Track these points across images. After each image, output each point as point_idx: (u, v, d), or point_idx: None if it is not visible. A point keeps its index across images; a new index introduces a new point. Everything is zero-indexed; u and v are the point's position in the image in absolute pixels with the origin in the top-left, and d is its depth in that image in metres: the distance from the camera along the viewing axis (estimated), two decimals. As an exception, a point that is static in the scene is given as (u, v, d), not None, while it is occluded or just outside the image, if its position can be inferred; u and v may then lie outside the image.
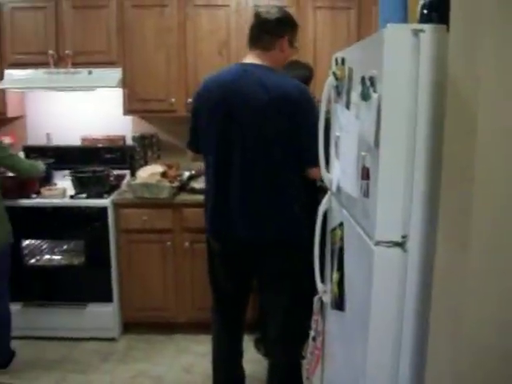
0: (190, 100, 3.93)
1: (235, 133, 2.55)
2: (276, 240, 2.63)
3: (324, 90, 2.33)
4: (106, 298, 3.93)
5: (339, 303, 2.16)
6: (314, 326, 2.66)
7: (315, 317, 2.64)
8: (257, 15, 2.65)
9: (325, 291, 2.49)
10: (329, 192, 2.46)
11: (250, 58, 2.65)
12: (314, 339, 2.69)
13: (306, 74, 3.46)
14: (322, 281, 2.51)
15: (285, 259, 2.66)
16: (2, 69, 4.13)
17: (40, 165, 3.80)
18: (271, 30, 2.61)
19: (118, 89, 4.09)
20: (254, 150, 2.55)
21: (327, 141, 2.40)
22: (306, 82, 3.13)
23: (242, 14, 3.98)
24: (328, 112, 2.38)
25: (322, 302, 2.57)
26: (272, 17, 2.61)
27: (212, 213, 2.71)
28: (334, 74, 2.28)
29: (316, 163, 2.39)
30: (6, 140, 4.23)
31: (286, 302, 2.74)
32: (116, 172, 4.22)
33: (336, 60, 2.27)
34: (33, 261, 4.03)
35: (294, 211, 2.63)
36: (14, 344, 3.71)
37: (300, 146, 2.56)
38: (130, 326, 4.10)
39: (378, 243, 1.63)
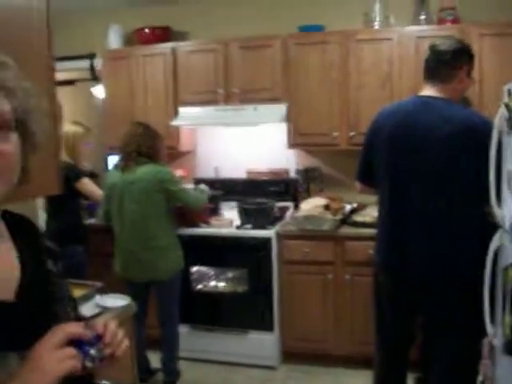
0: (352, 134, 4.00)
1: (414, 166, 2.54)
2: (452, 280, 2.55)
3: (495, 121, 2.25)
4: (268, 326, 4.03)
5: (512, 348, 2.04)
6: (482, 370, 2.52)
7: (484, 360, 2.50)
8: (433, 47, 2.65)
9: (495, 334, 2.36)
10: (500, 229, 2.34)
11: (428, 91, 2.63)
12: (482, 384, 2.55)
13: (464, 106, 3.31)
14: (493, 322, 2.38)
15: (458, 301, 2.55)
16: (177, 107, 4.47)
17: (204, 194, 3.97)
18: (449, 62, 2.59)
19: (281, 123, 4.23)
20: (434, 184, 2.51)
21: (498, 175, 2.30)
22: None
23: (405, 46, 3.95)
24: (499, 144, 2.28)
25: (491, 346, 2.44)
26: (449, 48, 2.60)
27: (387, 246, 2.69)
28: (507, 105, 2.19)
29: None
30: (178, 173, 4.54)
31: (454, 346, 2.61)
32: (280, 204, 4.34)
33: (509, 91, 2.19)
34: (200, 286, 4.25)
35: (472, 251, 2.52)
36: (181, 364, 3.92)
37: (482, 182, 2.43)
38: (289, 356, 4.15)
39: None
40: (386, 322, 2.81)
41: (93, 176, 4.41)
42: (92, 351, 0.98)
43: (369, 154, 2.76)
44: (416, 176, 2.53)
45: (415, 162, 2.53)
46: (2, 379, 0.89)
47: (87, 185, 3.91)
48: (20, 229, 1.10)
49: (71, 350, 0.92)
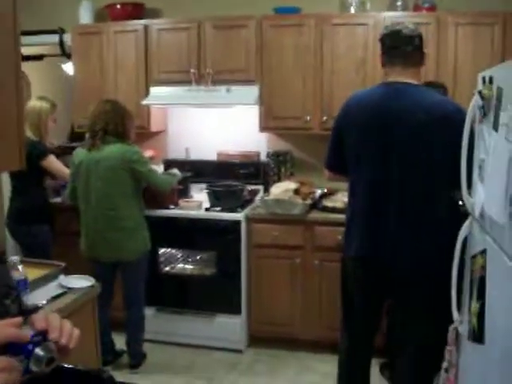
0: (325, 118, 3.98)
1: (389, 153, 2.51)
2: (430, 269, 2.55)
3: (468, 109, 2.24)
4: (235, 309, 4.02)
5: (478, 335, 2.05)
6: (447, 356, 2.54)
7: (449, 347, 2.52)
8: (398, 32, 2.61)
9: (461, 321, 2.37)
10: (469, 217, 2.35)
11: (398, 77, 2.60)
12: (446, 370, 2.56)
13: (442, 94, 3.33)
14: (459, 310, 2.39)
15: (434, 290, 2.56)
16: (148, 86, 4.39)
17: (174, 177, 3.92)
18: (419, 46, 2.61)
19: (254, 106, 4.18)
20: (409, 172, 2.50)
21: (470, 163, 2.30)
22: None
23: (380, 32, 3.91)
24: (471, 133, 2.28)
25: (457, 332, 2.45)
26: (415, 32, 2.61)
27: (361, 235, 2.64)
28: (481, 93, 2.18)
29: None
30: (148, 153, 4.47)
31: (425, 331, 2.63)
32: (250, 187, 4.31)
33: (483, 79, 2.17)
34: (168, 268, 4.21)
35: (445, 239, 2.52)
36: (146, 347, 3.89)
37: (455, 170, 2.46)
38: (255, 339, 4.15)
39: (528, 274, 1.52)
40: (355, 309, 2.81)
41: (59, 153, 4.32)
42: (38, 351, 0.89)
43: (339, 140, 2.70)
44: (391, 163, 2.51)
45: (390, 150, 2.50)
46: None
47: (53, 163, 3.82)
48: None
49: (5, 361, 0.80)
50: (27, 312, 1.02)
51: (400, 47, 2.60)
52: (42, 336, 0.90)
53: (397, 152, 2.50)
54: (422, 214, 2.53)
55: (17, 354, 0.86)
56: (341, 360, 2.94)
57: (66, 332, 0.93)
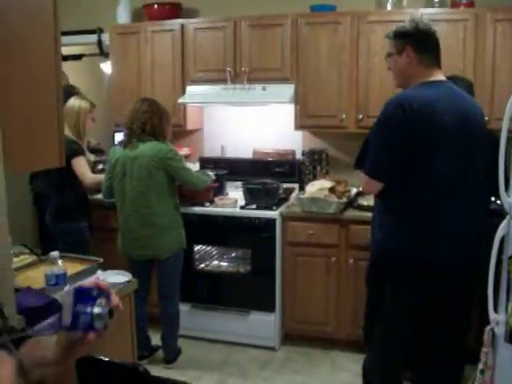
0: (360, 116, 3.97)
1: (448, 154, 2.41)
2: (477, 266, 2.52)
3: (507, 107, 2.21)
4: (269, 307, 4.03)
5: (515, 336, 2.02)
6: (483, 358, 2.50)
7: (485, 349, 2.49)
8: (434, 32, 2.57)
9: (498, 322, 2.34)
10: (507, 216, 2.31)
11: (440, 76, 2.56)
12: (481, 372, 2.54)
13: (471, 91, 3.24)
14: (496, 310, 2.36)
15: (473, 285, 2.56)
16: (185, 85, 4.43)
17: (208, 177, 3.95)
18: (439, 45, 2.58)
19: (290, 104, 4.19)
20: (478, 172, 2.47)
21: (508, 161, 2.27)
22: None
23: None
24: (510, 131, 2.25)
25: (493, 334, 2.42)
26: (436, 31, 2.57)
27: (440, 242, 2.47)
28: (520, 91, 2.15)
29: None
30: (184, 151, 4.52)
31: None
32: (285, 185, 4.32)
33: (522, 77, 2.14)
34: (202, 265, 4.25)
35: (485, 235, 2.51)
36: (181, 342, 3.94)
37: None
38: (289, 337, 4.16)
39: None
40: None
41: (97, 151, 4.39)
42: (100, 300, 1.02)
43: (401, 151, 2.43)
44: (464, 163, 2.44)
45: (463, 150, 2.44)
46: None
47: (78, 165, 3.80)
48: None
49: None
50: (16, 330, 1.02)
51: (436, 48, 2.56)
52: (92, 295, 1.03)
53: (467, 153, 2.45)
54: (479, 212, 2.54)
55: (85, 302, 1.00)
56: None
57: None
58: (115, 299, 1.06)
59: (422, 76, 2.54)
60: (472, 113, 2.47)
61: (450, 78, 2.70)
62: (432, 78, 2.53)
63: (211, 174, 4.06)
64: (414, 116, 2.37)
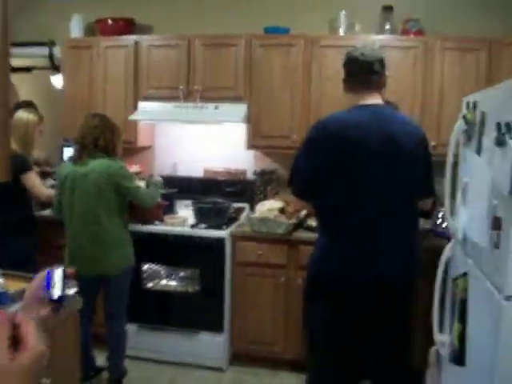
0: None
1: (374, 175, 2.46)
2: (410, 279, 2.57)
3: (453, 133, 2.27)
4: (218, 327, 4.00)
5: (459, 357, 2.06)
6: (429, 379, 2.54)
7: (430, 370, 2.53)
8: (357, 58, 2.61)
9: (443, 343, 2.38)
10: (453, 240, 2.37)
11: (368, 99, 2.59)
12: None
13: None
14: (440, 331, 2.41)
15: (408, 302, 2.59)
16: (137, 101, 4.40)
17: (157, 191, 3.82)
18: (379, 71, 2.60)
19: (242, 124, 4.20)
20: (395, 191, 2.49)
21: (453, 186, 2.33)
22: None
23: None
24: (456, 157, 2.31)
25: (438, 355, 2.46)
26: (377, 57, 2.60)
27: (352, 255, 2.52)
28: (465, 117, 2.22)
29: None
30: (135, 168, 4.46)
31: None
32: (236, 205, 4.31)
33: (468, 104, 2.21)
34: (150, 284, 4.18)
35: (417, 250, 2.59)
36: (127, 363, 3.85)
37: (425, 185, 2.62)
38: (237, 358, 4.13)
39: (508, 298, 1.54)
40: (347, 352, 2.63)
41: (44, 164, 4.29)
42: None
43: (317, 165, 2.54)
44: (377, 184, 2.47)
45: (377, 171, 2.47)
46: None
47: (30, 180, 3.70)
48: None
49: None
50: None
51: (358, 75, 2.60)
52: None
53: (382, 174, 2.47)
54: (405, 230, 2.57)
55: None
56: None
57: None
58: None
59: (353, 100, 2.63)
60: (400, 134, 2.49)
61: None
62: (361, 102, 2.59)
63: (159, 179, 3.94)
64: (328, 138, 2.49)
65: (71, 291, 1.27)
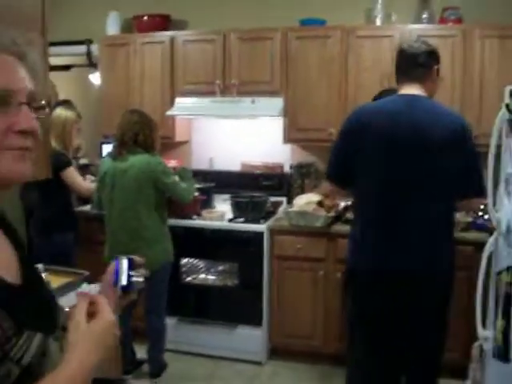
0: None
1: (406, 165, 2.50)
2: (439, 272, 2.54)
3: (496, 123, 2.22)
4: (256, 321, 4.00)
5: (503, 353, 2.01)
6: (471, 374, 2.50)
7: (473, 364, 2.48)
8: (404, 50, 2.67)
9: (486, 338, 2.33)
10: (495, 232, 2.32)
11: (408, 90, 2.62)
12: (470, 388, 2.53)
13: None
14: (484, 326, 2.36)
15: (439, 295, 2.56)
16: (173, 97, 4.42)
17: (192, 184, 3.79)
18: (424, 63, 2.61)
19: (279, 118, 4.19)
20: (426, 181, 2.50)
21: (496, 177, 2.27)
22: None
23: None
24: (498, 147, 2.26)
25: (482, 350, 2.41)
26: (422, 50, 2.63)
27: (380, 245, 2.57)
28: (508, 106, 2.16)
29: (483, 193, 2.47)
30: (172, 163, 4.49)
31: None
32: (273, 199, 4.30)
33: (511, 92, 2.16)
34: (189, 279, 4.21)
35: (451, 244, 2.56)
36: (167, 356, 3.89)
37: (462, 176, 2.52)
38: (276, 351, 4.13)
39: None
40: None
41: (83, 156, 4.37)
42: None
43: (348, 153, 2.64)
44: (410, 174, 2.50)
45: (408, 161, 2.49)
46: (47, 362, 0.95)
47: (69, 176, 3.77)
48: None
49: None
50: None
51: (406, 63, 2.65)
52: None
53: (413, 165, 2.50)
54: (441, 225, 2.55)
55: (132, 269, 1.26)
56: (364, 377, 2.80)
57: None
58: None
59: (399, 91, 2.69)
60: (435, 124, 2.50)
61: (384, 92, 3.10)
62: (400, 92, 2.67)
63: (188, 169, 3.92)
64: (359, 127, 2.59)
65: (139, 279, 1.26)
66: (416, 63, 2.61)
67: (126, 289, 1.24)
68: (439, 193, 2.51)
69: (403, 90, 2.64)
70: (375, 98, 3.28)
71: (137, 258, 1.30)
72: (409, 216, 2.49)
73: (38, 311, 1.00)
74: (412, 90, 2.60)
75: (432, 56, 2.65)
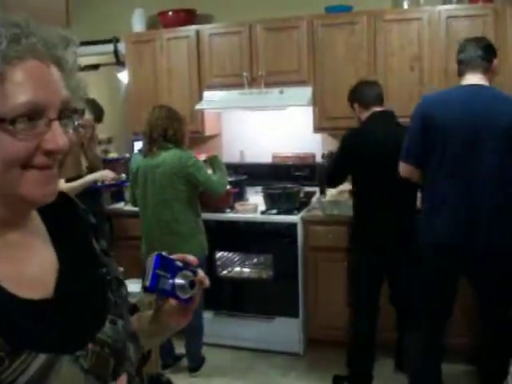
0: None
1: (462, 148, 2.73)
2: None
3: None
4: (293, 312, 3.99)
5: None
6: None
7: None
8: (468, 43, 2.90)
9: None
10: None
11: (472, 80, 2.83)
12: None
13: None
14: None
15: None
16: (201, 91, 4.42)
17: (224, 175, 3.75)
18: (485, 56, 2.84)
19: (308, 107, 4.15)
20: (499, 161, 2.71)
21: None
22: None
23: (435, 26, 3.82)
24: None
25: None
26: (483, 43, 2.90)
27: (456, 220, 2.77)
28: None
29: None
30: (202, 157, 4.49)
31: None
32: (306, 189, 4.28)
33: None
34: (225, 272, 4.22)
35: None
36: (205, 350, 3.91)
37: None
38: (314, 343, 4.10)
39: None
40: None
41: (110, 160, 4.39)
42: (185, 272, 1.07)
43: (422, 139, 2.84)
44: (481, 158, 2.70)
45: (481, 150, 2.70)
46: None
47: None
48: (58, 216, 1.01)
49: None
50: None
51: (469, 56, 2.85)
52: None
53: (489, 153, 2.70)
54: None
55: (167, 270, 1.06)
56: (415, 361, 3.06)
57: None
58: (201, 274, 1.12)
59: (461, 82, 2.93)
60: (495, 111, 2.71)
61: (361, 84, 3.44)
62: (462, 83, 2.89)
63: (219, 157, 3.87)
64: (420, 116, 2.87)
65: (171, 281, 1.06)
66: (479, 56, 2.83)
67: (150, 290, 1.05)
68: (503, 176, 2.72)
69: (465, 81, 2.85)
70: (354, 90, 3.47)
71: (190, 257, 1.12)
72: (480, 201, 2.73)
73: (58, 328, 0.86)
74: (474, 80, 2.82)
75: (491, 50, 2.89)
